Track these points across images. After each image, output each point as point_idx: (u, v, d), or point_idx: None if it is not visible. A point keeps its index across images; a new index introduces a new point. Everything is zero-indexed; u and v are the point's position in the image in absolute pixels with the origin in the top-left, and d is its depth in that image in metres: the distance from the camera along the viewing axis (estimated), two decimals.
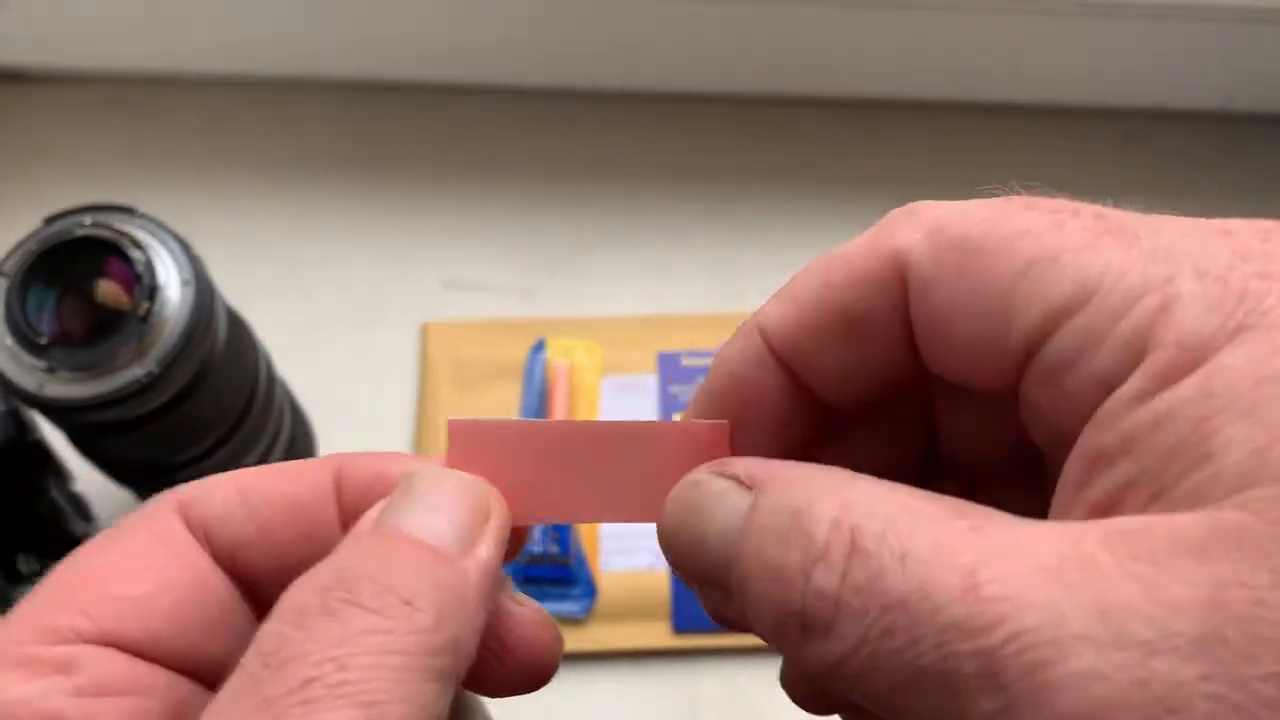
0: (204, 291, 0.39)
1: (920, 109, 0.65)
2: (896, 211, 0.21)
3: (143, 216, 0.40)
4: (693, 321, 0.58)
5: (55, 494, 0.45)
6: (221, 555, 0.19)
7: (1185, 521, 0.13)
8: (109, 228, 0.38)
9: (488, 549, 0.18)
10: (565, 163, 0.63)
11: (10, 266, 0.38)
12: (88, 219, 0.39)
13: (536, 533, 0.52)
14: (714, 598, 0.18)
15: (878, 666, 0.14)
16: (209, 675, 0.19)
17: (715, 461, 0.18)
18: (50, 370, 0.37)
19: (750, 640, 0.51)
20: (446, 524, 0.18)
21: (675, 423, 0.20)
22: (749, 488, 0.17)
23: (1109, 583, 0.13)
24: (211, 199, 0.61)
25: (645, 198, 0.62)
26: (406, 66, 0.63)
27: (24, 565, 0.42)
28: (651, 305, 0.59)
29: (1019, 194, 0.18)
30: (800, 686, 0.21)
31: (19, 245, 0.39)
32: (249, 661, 0.16)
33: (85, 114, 0.64)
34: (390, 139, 0.64)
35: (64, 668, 0.17)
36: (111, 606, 0.18)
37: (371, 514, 0.19)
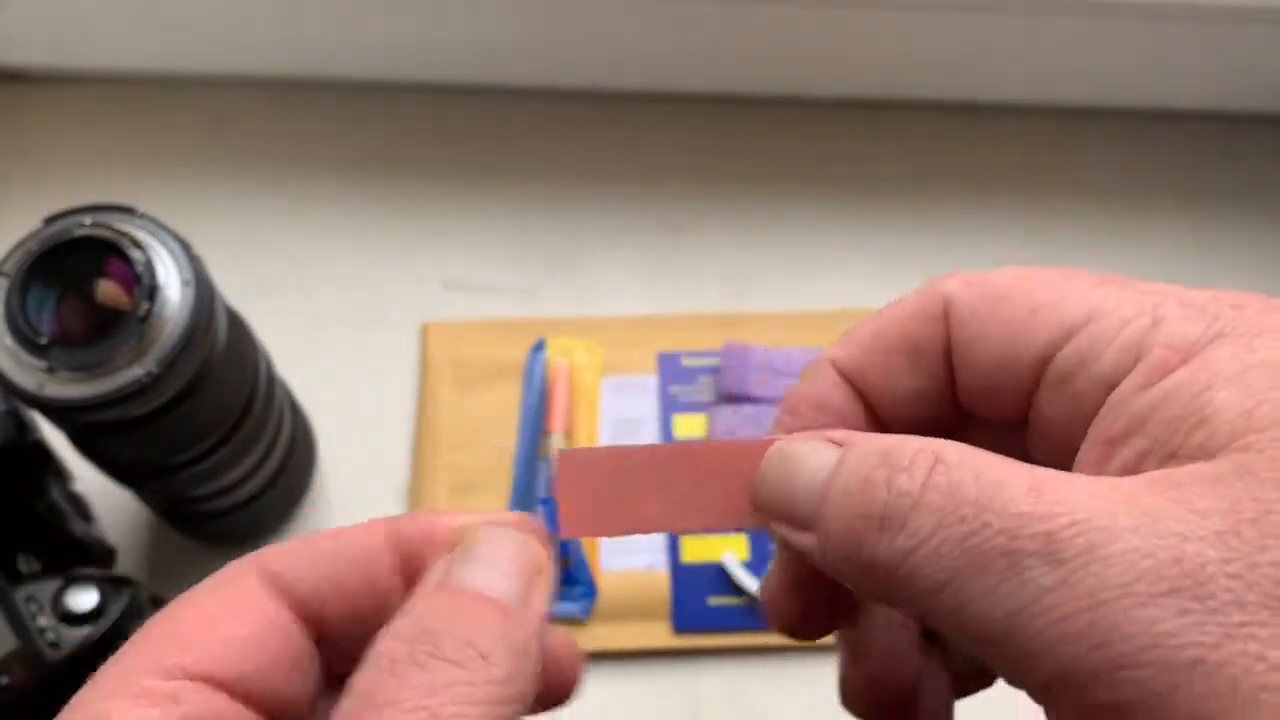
0: (204, 291, 0.39)
1: (920, 109, 0.65)
2: (944, 275, 0.25)
3: (143, 216, 0.40)
4: (693, 321, 0.58)
5: (55, 494, 0.45)
6: (296, 607, 0.22)
7: (1199, 466, 0.17)
8: (109, 228, 0.38)
9: (540, 601, 0.21)
10: (565, 163, 0.63)
11: (10, 266, 0.38)
12: (88, 219, 0.39)
13: None
14: (794, 537, 0.20)
15: (944, 554, 0.17)
16: (285, 717, 0.21)
17: (807, 432, 0.21)
18: (50, 370, 0.37)
19: (750, 640, 0.51)
20: (507, 581, 0.20)
21: (759, 439, 0.21)
22: (839, 445, 0.20)
23: (1148, 500, 0.16)
24: (211, 199, 0.61)
25: (645, 198, 0.62)
26: (406, 66, 0.64)
27: (24, 565, 0.42)
28: (651, 305, 0.59)
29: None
30: (861, 695, 0.24)
31: (19, 245, 0.39)
32: (352, 705, 0.18)
33: (85, 114, 0.64)
34: (390, 139, 0.64)
35: (172, 700, 0.20)
36: (210, 649, 0.21)
37: (436, 570, 0.21)
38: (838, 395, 0.22)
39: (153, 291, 0.38)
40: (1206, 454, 0.17)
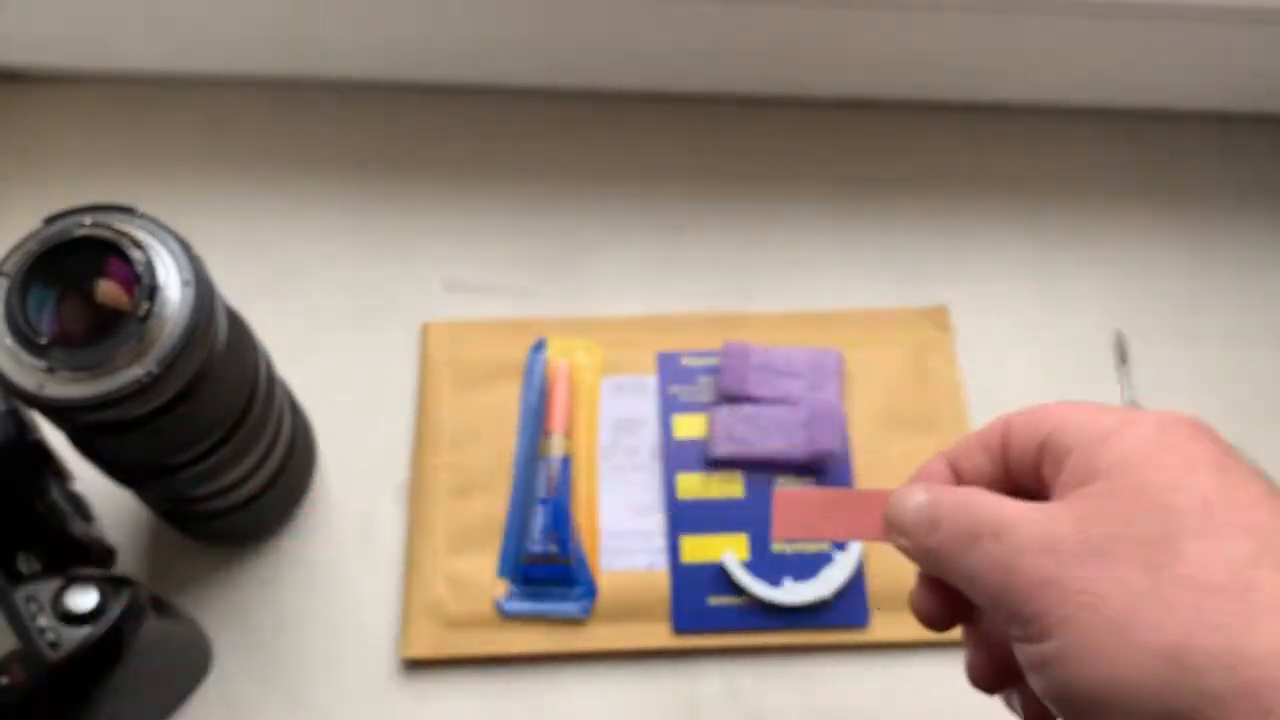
0: (204, 291, 0.39)
1: (920, 109, 0.65)
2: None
3: (143, 216, 0.40)
4: (693, 321, 0.58)
5: (55, 494, 0.45)
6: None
7: (1082, 490, 0.31)
8: (109, 228, 0.38)
9: None
10: (565, 163, 0.63)
11: (10, 266, 0.38)
12: (88, 219, 0.39)
13: (537, 533, 0.52)
14: (897, 540, 0.34)
15: (955, 539, 0.32)
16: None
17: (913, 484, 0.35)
18: (50, 370, 0.37)
19: (750, 640, 0.51)
20: None
21: (889, 490, 0.35)
22: (926, 490, 0.34)
23: (1051, 509, 0.31)
24: (211, 199, 0.61)
25: (645, 198, 0.62)
26: (406, 66, 0.64)
27: (24, 565, 0.42)
28: (651, 305, 0.59)
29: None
30: (979, 673, 0.35)
31: (19, 245, 0.39)
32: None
33: (85, 114, 0.64)
34: (390, 139, 0.64)
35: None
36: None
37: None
38: (941, 470, 0.36)
39: (153, 291, 0.38)
40: (1083, 486, 0.30)
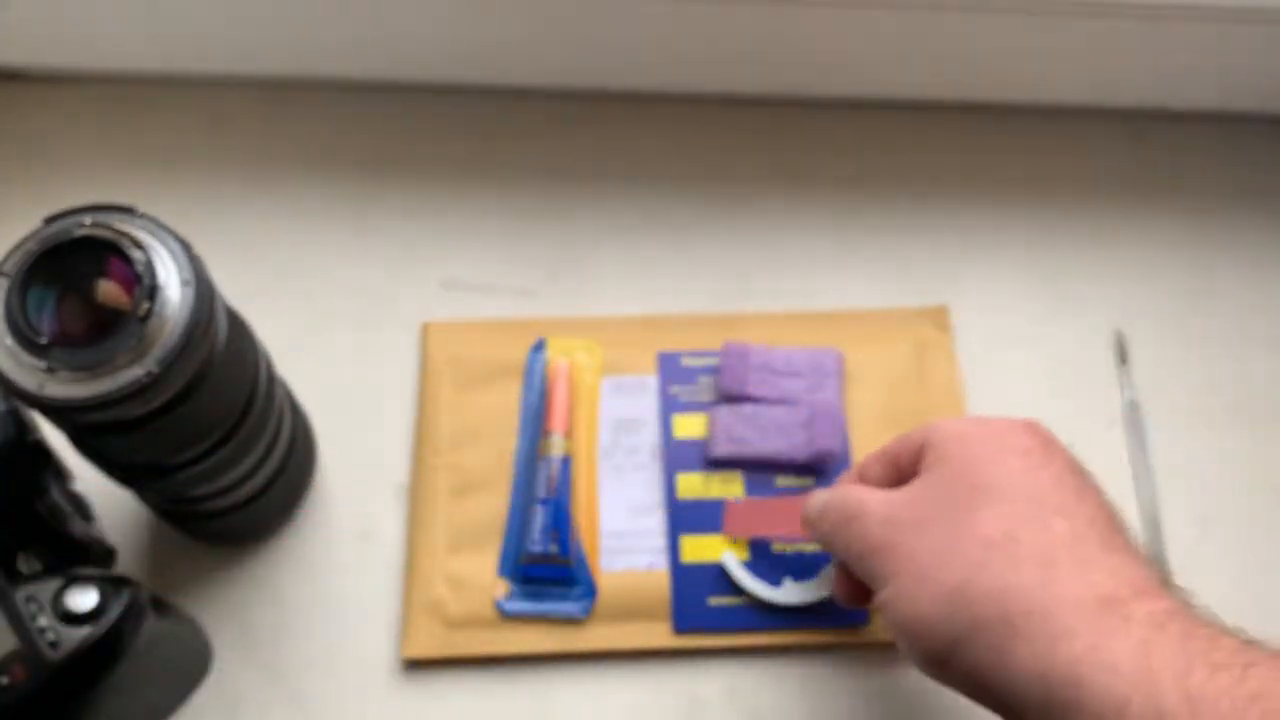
0: (204, 291, 0.39)
1: (920, 109, 0.65)
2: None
3: (143, 216, 0.40)
4: (693, 321, 0.58)
5: (55, 494, 0.45)
6: None
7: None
8: (109, 228, 0.38)
9: None
10: (565, 163, 0.63)
11: (10, 266, 0.38)
12: (88, 219, 0.39)
13: (537, 533, 0.52)
14: (809, 531, 0.45)
15: (834, 522, 0.43)
16: None
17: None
18: (50, 370, 0.37)
19: (750, 640, 0.51)
20: None
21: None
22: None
23: (894, 492, 0.42)
24: (211, 199, 0.61)
25: (645, 198, 0.62)
26: (406, 66, 0.64)
27: (24, 565, 0.42)
28: (651, 305, 0.59)
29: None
30: (845, 586, 0.46)
31: (19, 245, 0.39)
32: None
33: (85, 114, 0.64)
34: (390, 139, 0.64)
35: None
36: None
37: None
38: (849, 478, 0.45)
39: (153, 291, 0.38)
40: (932, 470, 0.40)
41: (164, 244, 0.39)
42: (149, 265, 0.38)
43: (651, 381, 0.56)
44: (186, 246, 0.39)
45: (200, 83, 0.65)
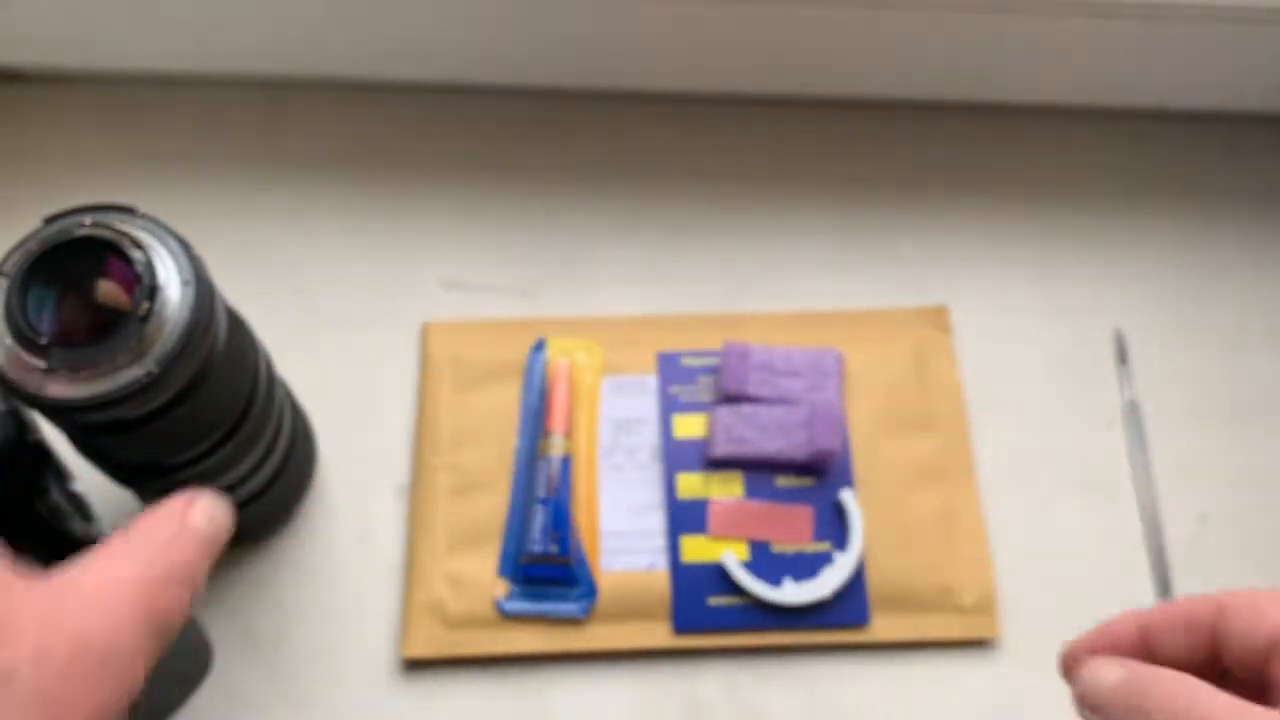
0: (204, 291, 0.39)
1: (921, 109, 0.65)
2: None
3: (143, 216, 0.40)
4: (693, 321, 0.58)
5: (55, 494, 0.45)
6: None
7: None
8: (109, 228, 0.38)
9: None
10: (565, 163, 0.63)
11: (10, 266, 0.38)
12: (88, 219, 0.39)
13: (537, 533, 0.52)
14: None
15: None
16: None
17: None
18: (50, 370, 0.37)
19: (750, 640, 0.51)
20: None
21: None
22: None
23: None
24: (211, 199, 0.61)
25: (645, 198, 0.62)
26: (406, 66, 0.64)
27: (23, 566, 0.42)
28: (651, 305, 0.59)
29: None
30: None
31: (19, 245, 0.39)
32: None
33: (85, 114, 0.64)
34: (390, 139, 0.64)
35: None
36: None
37: None
38: (1130, 637, 0.32)
39: (153, 291, 0.38)
40: None
41: (164, 244, 0.39)
42: (149, 265, 0.38)
43: (651, 381, 0.56)
44: (186, 246, 0.39)
45: (200, 82, 0.65)
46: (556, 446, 0.54)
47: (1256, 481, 0.56)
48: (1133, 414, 0.57)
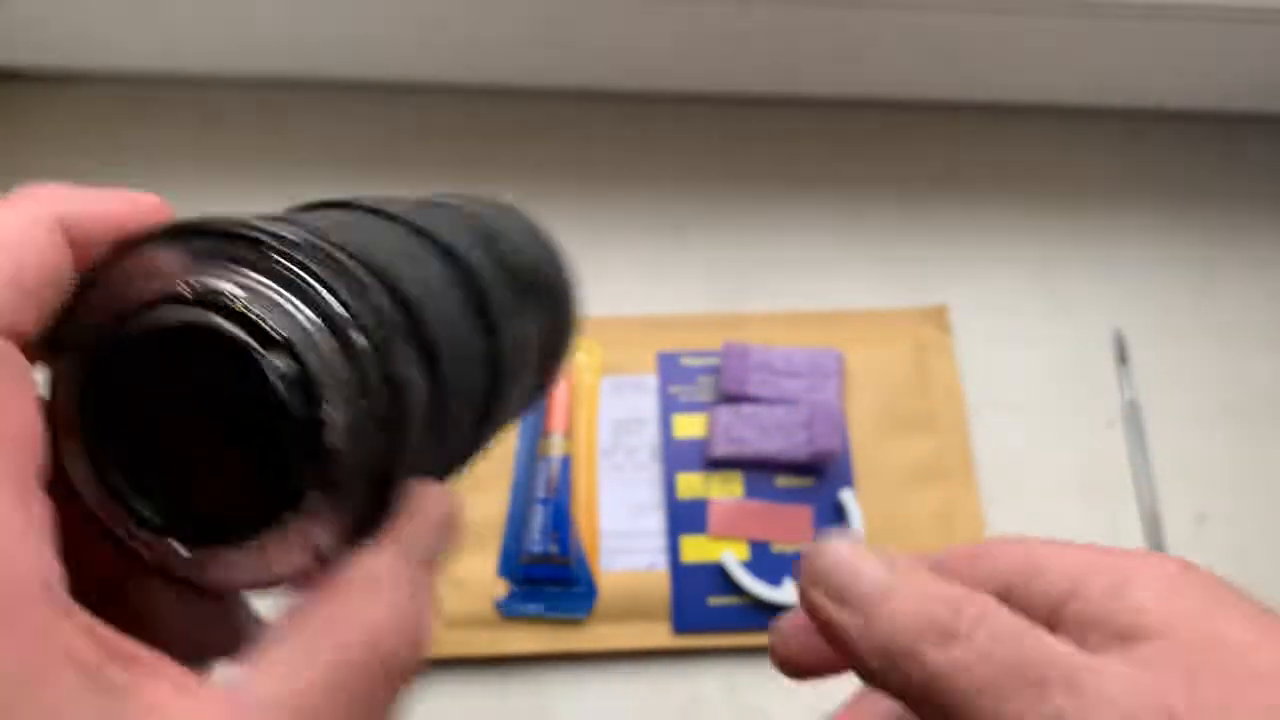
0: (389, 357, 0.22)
1: (920, 109, 0.65)
2: None
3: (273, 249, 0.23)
4: (693, 321, 0.58)
5: None
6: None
7: (1142, 648, 0.23)
8: (214, 303, 0.21)
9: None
10: (565, 163, 0.63)
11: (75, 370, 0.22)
12: (183, 285, 0.22)
13: (537, 533, 0.52)
14: (834, 611, 0.25)
15: (991, 671, 0.22)
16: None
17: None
18: (191, 559, 0.22)
19: (750, 640, 0.51)
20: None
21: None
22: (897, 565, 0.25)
23: (1123, 668, 0.22)
24: (210, 198, 0.61)
25: (645, 198, 0.62)
26: (407, 66, 0.64)
27: None
28: (651, 305, 0.59)
29: None
30: (793, 657, 0.32)
31: (69, 324, 0.22)
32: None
33: (85, 114, 0.64)
34: (390, 139, 0.64)
35: None
36: None
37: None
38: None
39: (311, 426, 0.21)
40: (1144, 640, 0.23)
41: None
42: (300, 369, 0.20)
43: (651, 381, 0.56)
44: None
45: (200, 82, 0.65)
46: (556, 447, 0.54)
47: (1256, 481, 0.56)
48: (1133, 414, 0.57)
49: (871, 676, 0.25)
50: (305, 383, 0.20)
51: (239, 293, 0.21)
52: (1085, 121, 0.65)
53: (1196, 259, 0.61)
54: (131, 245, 0.22)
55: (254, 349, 0.20)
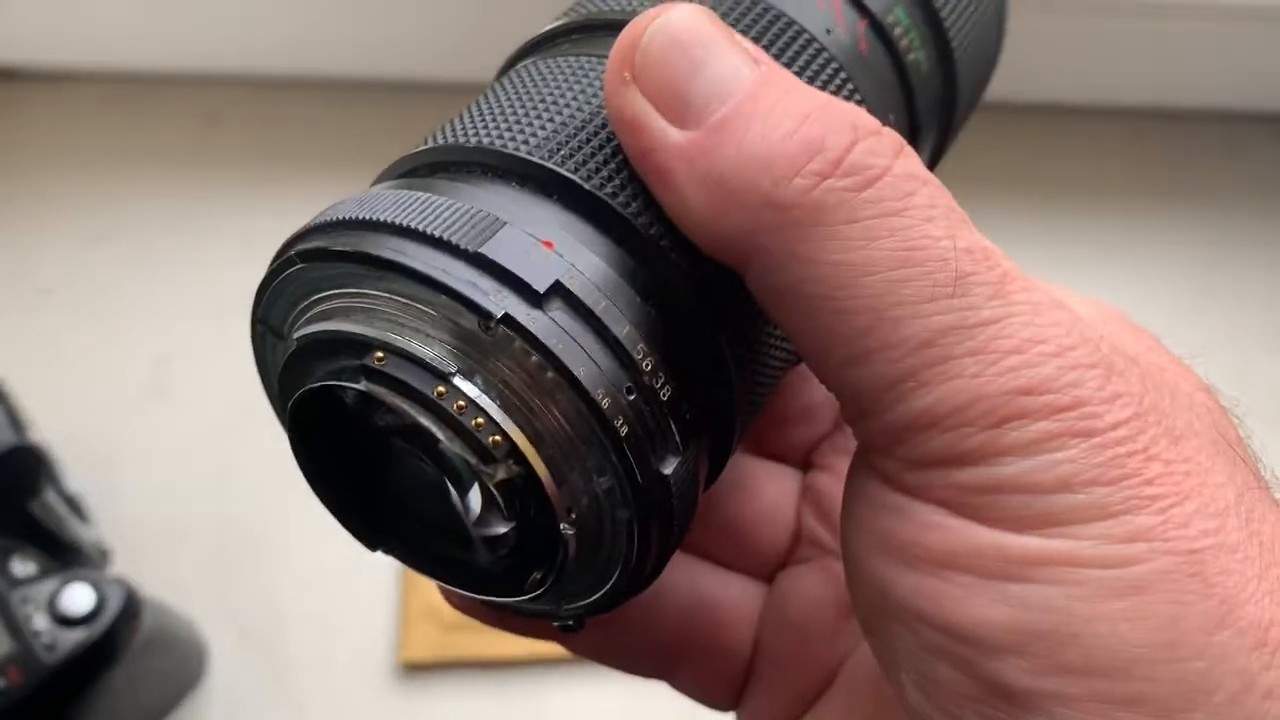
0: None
1: None
2: None
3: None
4: None
5: (50, 495, 0.45)
6: None
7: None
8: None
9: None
10: None
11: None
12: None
13: None
14: (660, 129, 0.17)
15: (893, 238, 0.16)
16: None
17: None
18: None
19: None
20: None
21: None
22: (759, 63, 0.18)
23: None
24: (210, 197, 0.61)
25: None
26: (407, 66, 0.63)
27: (19, 567, 0.42)
28: None
29: None
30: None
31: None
32: None
33: (83, 113, 0.64)
34: (391, 138, 0.63)
35: None
36: None
37: None
38: None
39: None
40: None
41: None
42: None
43: None
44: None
45: (199, 81, 0.64)
46: None
47: None
48: None
49: (705, 244, 0.18)
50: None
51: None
52: (1086, 121, 0.65)
53: (1197, 259, 0.61)
54: None
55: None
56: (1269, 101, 0.64)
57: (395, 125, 0.64)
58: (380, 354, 0.18)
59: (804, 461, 0.27)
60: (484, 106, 0.23)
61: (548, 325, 0.17)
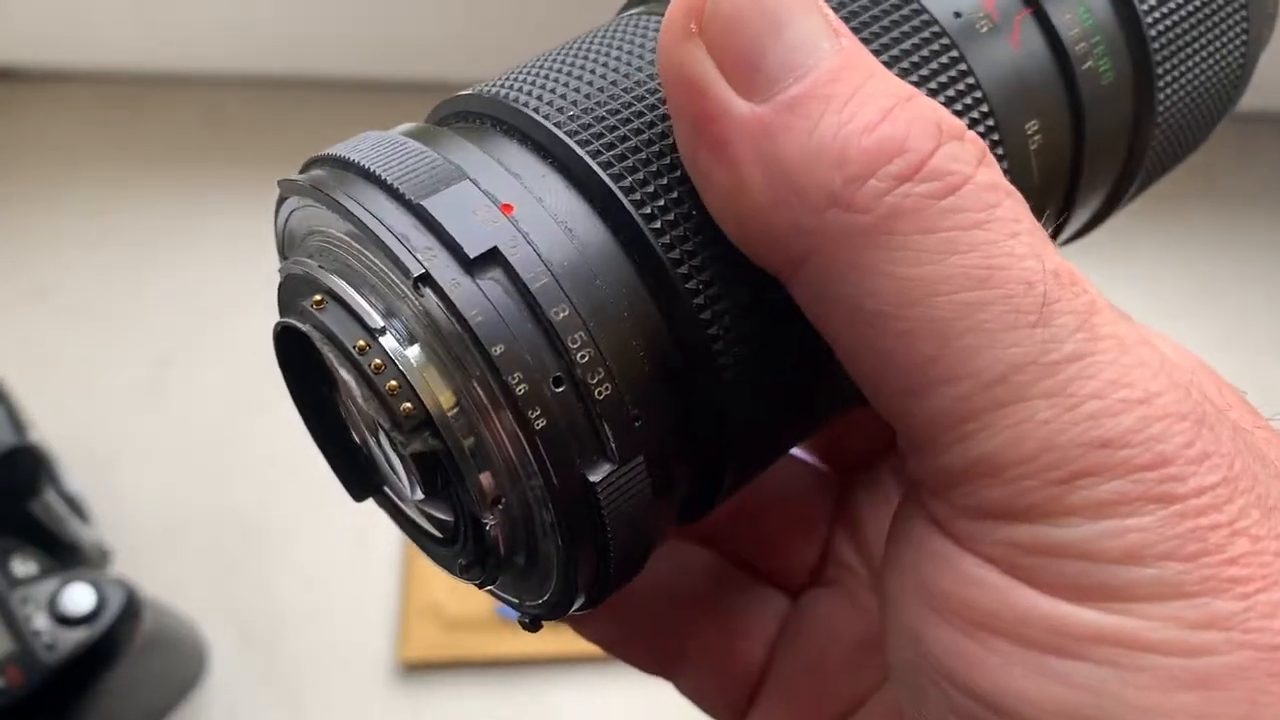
0: None
1: None
2: None
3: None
4: None
5: (51, 495, 0.45)
6: None
7: None
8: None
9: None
10: None
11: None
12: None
13: None
14: (727, 99, 0.15)
15: (963, 266, 0.14)
16: None
17: None
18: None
19: None
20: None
21: None
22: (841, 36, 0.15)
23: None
24: (210, 196, 0.61)
25: None
26: (407, 66, 0.63)
27: (20, 567, 0.41)
28: None
29: None
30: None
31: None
32: None
33: (83, 113, 0.64)
34: None
35: None
36: None
37: None
38: None
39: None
40: None
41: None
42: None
43: None
44: None
45: (199, 81, 0.64)
46: None
47: None
48: None
49: (749, 236, 0.16)
50: None
51: None
52: None
53: (1197, 259, 0.61)
54: None
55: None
56: (1272, 102, 0.64)
57: (395, 125, 0.64)
58: (319, 298, 0.18)
59: (846, 467, 0.24)
60: (537, 59, 0.21)
61: (471, 293, 0.15)
